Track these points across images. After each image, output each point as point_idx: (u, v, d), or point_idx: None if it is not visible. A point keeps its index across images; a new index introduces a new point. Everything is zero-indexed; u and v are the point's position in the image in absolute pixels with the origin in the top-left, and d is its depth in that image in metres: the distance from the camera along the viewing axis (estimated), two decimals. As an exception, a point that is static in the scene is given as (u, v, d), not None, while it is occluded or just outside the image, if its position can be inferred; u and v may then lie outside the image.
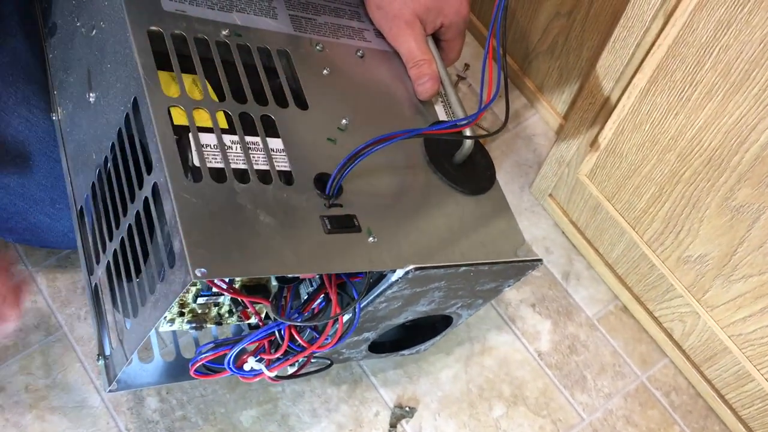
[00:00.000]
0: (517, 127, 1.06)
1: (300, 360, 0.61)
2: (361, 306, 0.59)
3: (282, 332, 0.58)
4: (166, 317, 0.61)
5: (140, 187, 0.54)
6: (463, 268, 0.57)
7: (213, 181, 0.51)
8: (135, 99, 0.54)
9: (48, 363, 0.80)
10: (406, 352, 0.78)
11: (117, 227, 0.58)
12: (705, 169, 0.75)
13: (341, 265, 0.53)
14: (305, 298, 0.60)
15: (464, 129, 0.62)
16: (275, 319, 0.58)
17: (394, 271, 0.55)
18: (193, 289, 0.60)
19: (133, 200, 0.55)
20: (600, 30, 0.91)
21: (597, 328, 0.93)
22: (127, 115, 0.56)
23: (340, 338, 0.58)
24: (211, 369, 0.62)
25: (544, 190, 0.98)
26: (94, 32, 0.61)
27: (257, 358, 0.60)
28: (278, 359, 0.60)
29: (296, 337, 0.58)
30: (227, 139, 0.54)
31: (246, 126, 0.55)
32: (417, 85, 0.66)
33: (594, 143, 0.86)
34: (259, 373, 0.60)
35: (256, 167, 0.53)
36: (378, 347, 0.75)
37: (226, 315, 0.64)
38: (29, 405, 0.77)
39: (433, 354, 0.87)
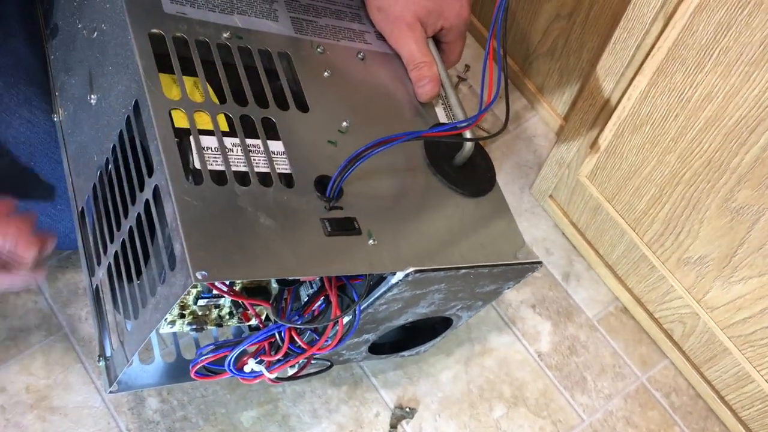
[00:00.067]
0: (517, 129, 1.06)
1: (300, 362, 0.61)
2: (361, 308, 0.59)
3: (282, 334, 0.58)
4: (166, 319, 0.61)
5: (141, 189, 0.54)
6: (463, 270, 0.58)
7: (214, 183, 0.51)
8: (136, 101, 0.54)
9: (49, 363, 0.80)
10: (406, 353, 0.78)
11: (118, 229, 0.58)
12: (705, 171, 0.75)
13: (341, 268, 0.53)
14: (305, 300, 0.60)
15: (464, 131, 0.62)
16: (275, 321, 0.58)
17: (394, 274, 0.55)
18: (194, 291, 0.60)
19: (134, 202, 0.55)
20: (600, 32, 0.91)
21: (597, 329, 0.93)
22: (128, 117, 0.56)
23: (340, 340, 0.58)
24: (211, 370, 0.62)
25: (545, 191, 0.98)
26: (95, 34, 0.61)
27: (257, 360, 0.60)
28: (278, 361, 0.60)
29: (296, 339, 0.58)
30: (228, 141, 0.54)
31: (247, 128, 0.55)
32: (417, 88, 0.66)
33: (594, 144, 0.86)
34: (260, 374, 0.61)
35: (256, 170, 0.54)
36: (378, 348, 0.75)
37: (227, 317, 0.64)
38: (30, 405, 0.77)
39: (434, 355, 0.87)
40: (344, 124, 0.60)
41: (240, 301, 0.61)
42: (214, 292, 0.60)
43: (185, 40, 0.57)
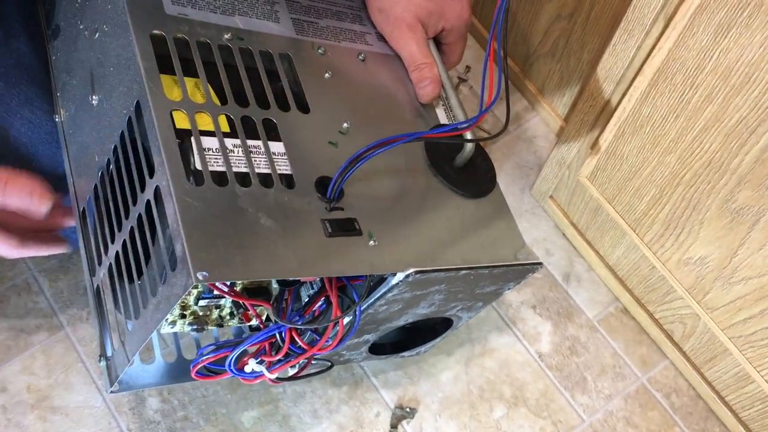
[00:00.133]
0: (517, 129, 1.06)
1: (301, 362, 0.61)
2: (362, 309, 0.59)
3: (283, 334, 0.58)
4: (167, 319, 0.61)
5: (142, 189, 0.54)
6: (464, 271, 0.58)
7: (215, 184, 0.51)
8: (137, 102, 0.54)
9: (50, 363, 0.80)
10: (406, 353, 0.78)
11: (119, 229, 0.58)
12: (705, 172, 0.75)
13: (342, 269, 0.53)
14: (306, 300, 0.60)
15: (465, 132, 0.62)
16: (276, 322, 0.58)
17: (395, 275, 0.55)
18: (195, 291, 0.60)
19: (135, 203, 0.55)
20: (601, 33, 0.91)
21: (597, 330, 0.93)
22: (130, 118, 0.56)
23: (340, 340, 0.58)
24: (212, 371, 0.62)
25: (545, 192, 0.98)
26: (97, 35, 0.62)
27: (258, 360, 0.60)
28: (279, 361, 0.60)
29: (297, 339, 0.58)
30: (229, 142, 0.54)
31: (248, 129, 0.55)
32: (418, 89, 0.66)
33: (595, 145, 0.86)
34: (260, 374, 0.61)
35: (257, 170, 0.54)
36: (378, 349, 0.75)
37: (228, 317, 0.64)
38: (31, 405, 0.77)
39: (434, 355, 0.87)
40: (345, 125, 0.60)
41: (241, 302, 0.61)
42: (215, 292, 0.60)
43: (186, 41, 0.57)
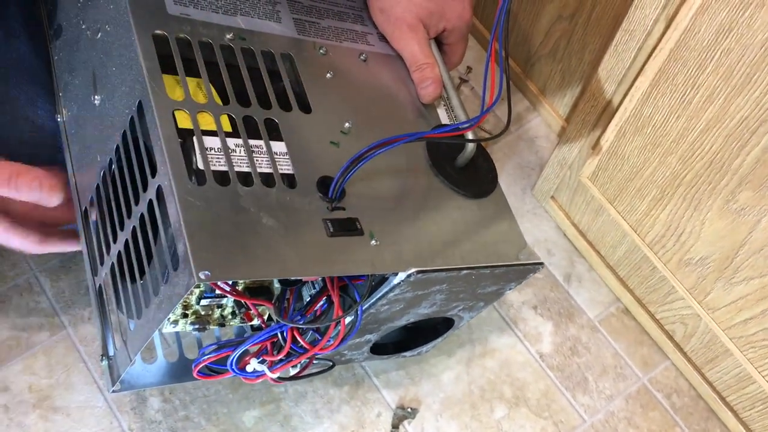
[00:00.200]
0: (519, 130, 1.06)
1: (302, 361, 0.62)
2: (363, 308, 0.59)
3: (284, 334, 0.58)
4: (169, 318, 0.61)
5: (144, 189, 0.54)
6: (465, 271, 0.58)
7: (217, 184, 0.51)
8: (140, 102, 0.54)
9: (51, 363, 0.80)
10: (407, 353, 0.78)
11: (121, 229, 0.58)
12: (706, 172, 0.75)
13: (344, 268, 0.53)
14: (308, 300, 0.61)
15: (466, 132, 0.62)
16: (278, 321, 0.58)
17: (396, 274, 0.56)
18: (197, 291, 0.60)
19: (137, 202, 0.55)
20: (602, 33, 0.91)
21: (598, 330, 0.93)
22: (132, 118, 0.56)
23: (342, 340, 0.59)
24: (214, 370, 0.62)
25: (546, 192, 0.98)
26: (99, 35, 0.62)
27: (260, 360, 0.60)
28: (281, 361, 0.60)
29: (299, 339, 0.58)
30: (231, 142, 0.54)
31: (250, 129, 0.55)
32: (420, 89, 0.66)
33: (596, 146, 0.86)
34: (262, 374, 0.61)
35: (259, 170, 0.54)
36: (380, 349, 0.75)
37: (229, 317, 0.64)
38: (33, 405, 0.77)
39: (435, 355, 0.87)
40: (347, 125, 0.60)
41: (242, 301, 0.61)
42: (217, 291, 0.60)
43: (188, 42, 0.57)
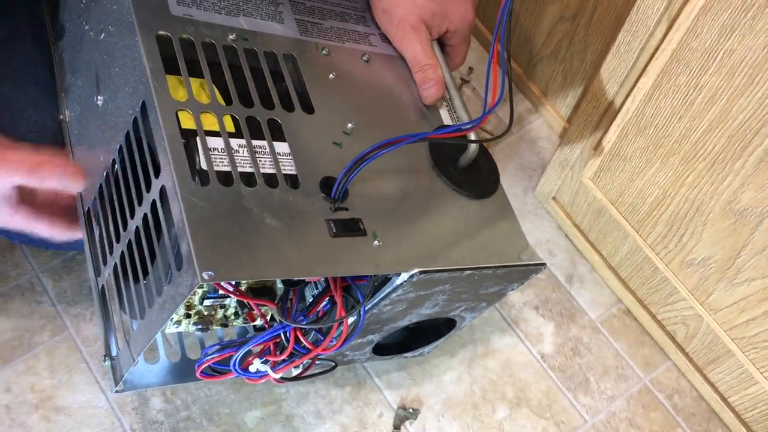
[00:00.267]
0: (521, 131, 1.06)
1: (305, 362, 0.62)
2: (366, 309, 0.59)
3: (287, 334, 0.58)
4: (172, 319, 0.61)
5: (148, 189, 0.54)
6: (468, 271, 0.58)
7: (220, 184, 0.51)
8: (143, 102, 0.54)
9: (53, 363, 0.80)
10: (409, 354, 0.79)
11: (124, 229, 0.58)
12: (708, 173, 0.75)
13: (347, 269, 0.53)
14: (310, 300, 0.60)
15: (469, 133, 0.62)
16: (281, 322, 0.58)
17: (399, 275, 0.56)
18: (200, 291, 0.60)
19: (140, 203, 0.55)
20: (604, 34, 0.91)
21: (600, 331, 0.93)
22: (135, 118, 0.56)
23: (344, 341, 0.59)
24: (216, 370, 0.62)
25: (548, 193, 0.98)
26: (102, 36, 0.62)
27: (262, 360, 0.60)
28: (283, 361, 0.60)
29: (301, 339, 0.58)
30: (234, 142, 0.54)
31: (253, 130, 0.55)
32: (422, 90, 0.66)
33: (598, 147, 0.86)
34: (265, 374, 0.61)
35: (262, 171, 0.54)
36: (382, 349, 0.75)
37: (232, 317, 0.65)
38: (35, 405, 0.77)
39: (437, 356, 0.87)
40: (349, 125, 0.60)
41: (245, 302, 0.61)
42: (220, 292, 0.60)
43: (192, 42, 0.57)
